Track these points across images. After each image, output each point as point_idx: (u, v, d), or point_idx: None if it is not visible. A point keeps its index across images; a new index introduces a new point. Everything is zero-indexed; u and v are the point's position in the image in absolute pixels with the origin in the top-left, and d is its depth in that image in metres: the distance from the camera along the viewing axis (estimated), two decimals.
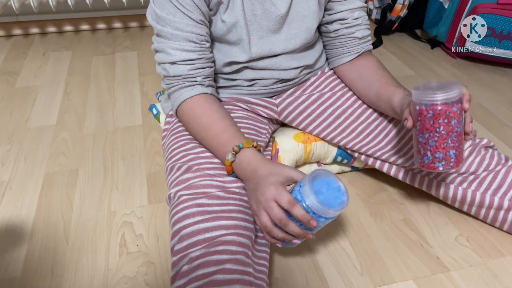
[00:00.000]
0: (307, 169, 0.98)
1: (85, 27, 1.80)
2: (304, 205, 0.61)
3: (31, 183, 0.98)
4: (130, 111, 1.25)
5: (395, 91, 0.79)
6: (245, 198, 0.70)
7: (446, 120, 0.66)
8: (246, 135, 0.82)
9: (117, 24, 1.83)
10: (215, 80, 0.87)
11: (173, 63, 0.77)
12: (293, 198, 0.61)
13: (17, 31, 1.75)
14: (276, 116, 0.94)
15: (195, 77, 0.77)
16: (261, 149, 0.73)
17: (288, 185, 0.65)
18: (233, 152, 0.69)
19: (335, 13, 0.87)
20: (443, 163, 0.68)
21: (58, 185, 0.98)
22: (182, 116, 0.80)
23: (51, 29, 1.77)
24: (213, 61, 0.82)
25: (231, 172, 0.72)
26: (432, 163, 0.69)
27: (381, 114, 0.89)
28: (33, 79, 1.42)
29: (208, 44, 0.79)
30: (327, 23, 0.90)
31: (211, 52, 0.81)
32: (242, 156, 0.69)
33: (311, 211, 0.61)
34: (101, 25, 1.82)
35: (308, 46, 0.90)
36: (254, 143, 0.71)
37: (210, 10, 0.79)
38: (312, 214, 0.61)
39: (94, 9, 1.75)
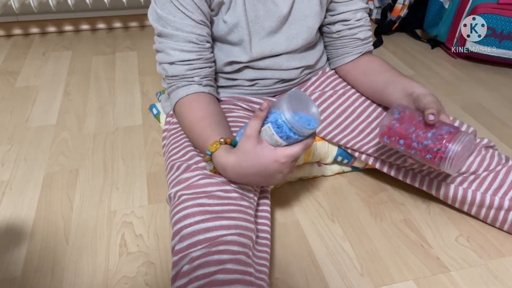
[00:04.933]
0: (307, 169, 0.98)
1: (85, 27, 1.80)
2: (280, 121, 0.63)
3: (31, 183, 0.98)
4: (130, 111, 1.25)
5: (412, 81, 0.80)
6: (246, 198, 0.70)
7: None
8: None
9: (117, 24, 1.83)
10: (216, 80, 0.87)
11: (171, 63, 0.77)
12: (290, 153, 0.64)
13: (17, 31, 1.75)
14: None
15: (192, 77, 0.78)
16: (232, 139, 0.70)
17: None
18: (207, 162, 0.69)
19: (337, 14, 0.87)
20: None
21: (58, 185, 0.98)
22: (176, 116, 0.80)
23: (51, 29, 1.77)
24: (213, 61, 0.82)
25: (220, 175, 0.71)
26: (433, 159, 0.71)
27: (383, 112, 0.89)
28: (33, 79, 1.42)
29: (208, 45, 0.79)
30: (330, 24, 0.90)
31: (212, 52, 0.81)
32: (215, 162, 0.68)
33: (288, 127, 0.63)
34: (101, 25, 1.82)
35: (309, 47, 0.90)
36: (221, 140, 0.67)
37: (212, 10, 0.79)
38: (288, 131, 0.63)
39: (94, 9, 1.75)
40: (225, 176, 0.69)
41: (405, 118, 0.73)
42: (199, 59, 0.77)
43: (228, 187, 0.69)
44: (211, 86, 0.81)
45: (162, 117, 1.12)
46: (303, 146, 0.65)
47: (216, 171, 0.70)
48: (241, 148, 0.64)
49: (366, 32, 0.90)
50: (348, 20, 0.87)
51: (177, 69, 0.77)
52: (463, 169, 0.81)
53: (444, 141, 0.68)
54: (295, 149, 0.64)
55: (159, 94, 1.20)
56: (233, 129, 0.79)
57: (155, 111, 1.17)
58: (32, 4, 1.55)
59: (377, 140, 0.88)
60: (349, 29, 0.88)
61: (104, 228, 0.87)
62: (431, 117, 0.68)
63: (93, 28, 1.81)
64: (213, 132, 0.70)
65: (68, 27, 1.79)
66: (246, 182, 0.68)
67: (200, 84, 0.78)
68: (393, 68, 0.87)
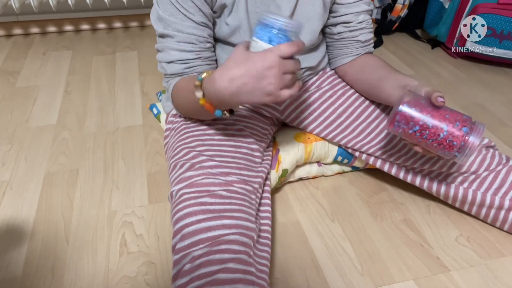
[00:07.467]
0: (307, 169, 0.98)
1: (85, 26, 1.80)
2: (274, 33, 0.62)
3: (31, 183, 0.98)
4: (131, 111, 1.25)
5: (405, 76, 0.79)
6: (248, 198, 0.70)
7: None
8: (250, 135, 0.82)
9: (118, 24, 1.83)
10: None
11: (170, 62, 0.78)
12: (276, 48, 0.60)
13: (17, 30, 1.75)
14: (278, 115, 0.94)
15: (190, 74, 0.79)
16: None
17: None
18: (197, 88, 0.65)
19: (339, 16, 0.87)
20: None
21: (59, 185, 0.98)
22: (174, 101, 0.81)
23: (52, 28, 1.77)
24: (214, 60, 0.83)
25: (213, 110, 0.67)
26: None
27: (382, 112, 0.89)
28: (33, 79, 1.42)
29: (209, 45, 0.79)
30: (331, 25, 0.90)
31: (213, 51, 0.82)
32: (206, 86, 0.64)
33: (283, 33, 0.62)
34: (102, 25, 1.82)
35: (312, 49, 0.90)
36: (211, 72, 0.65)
37: (214, 12, 0.79)
38: (270, 33, 0.62)
39: (94, 9, 1.75)
40: (214, 97, 0.64)
41: (417, 105, 0.69)
42: (197, 58, 0.78)
43: (231, 187, 0.69)
44: None
45: (163, 116, 1.12)
46: (290, 44, 0.60)
47: (205, 101, 0.65)
48: (230, 56, 0.62)
49: (367, 35, 0.90)
50: (350, 22, 0.87)
51: (175, 67, 0.78)
52: (464, 169, 0.81)
53: (461, 128, 0.66)
54: (282, 46, 0.60)
55: (159, 94, 1.20)
56: (236, 127, 0.80)
57: (155, 111, 1.17)
58: (32, 4, 1.55)
59: (377, 139, 0.88)
60: (350, 31, 0.88)
61: (105, 228, 0.87)
62: (441, 99, 0.67)
63: (94, 28, 1.81)
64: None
65: (69, 27, 1.79)
66: (235, 90, 0.61)
67: None
68: (388, 65, 0.87)
